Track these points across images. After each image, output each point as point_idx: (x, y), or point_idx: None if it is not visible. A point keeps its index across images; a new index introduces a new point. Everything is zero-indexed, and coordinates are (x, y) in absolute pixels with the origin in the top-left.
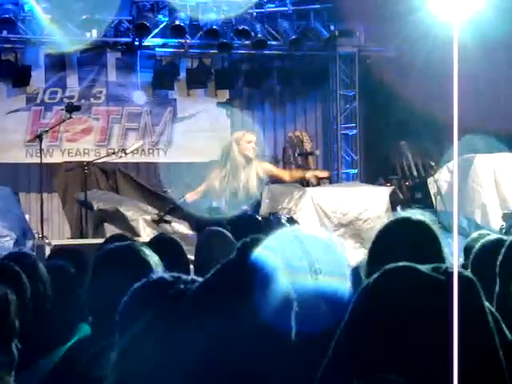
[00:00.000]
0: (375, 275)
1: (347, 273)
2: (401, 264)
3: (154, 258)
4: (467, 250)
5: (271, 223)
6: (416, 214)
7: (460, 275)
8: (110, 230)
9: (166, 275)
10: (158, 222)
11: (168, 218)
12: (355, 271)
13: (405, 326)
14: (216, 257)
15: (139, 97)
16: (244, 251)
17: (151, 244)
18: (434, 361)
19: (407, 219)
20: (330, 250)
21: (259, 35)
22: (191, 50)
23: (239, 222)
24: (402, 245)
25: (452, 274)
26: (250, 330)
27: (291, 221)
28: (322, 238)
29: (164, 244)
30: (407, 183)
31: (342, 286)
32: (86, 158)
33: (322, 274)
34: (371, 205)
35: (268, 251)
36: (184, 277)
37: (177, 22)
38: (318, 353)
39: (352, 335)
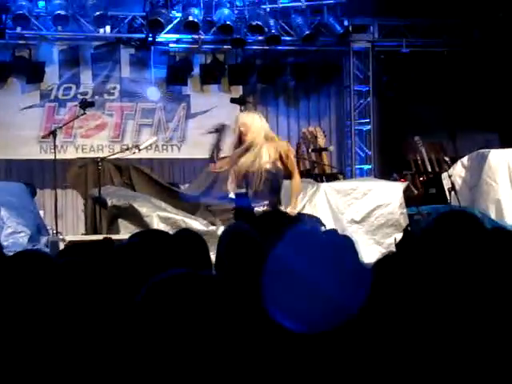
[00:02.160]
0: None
1: (354, 270)
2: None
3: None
4: None
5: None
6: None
7: None
8: (124, 225)
9: (182, 270)
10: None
11: (181, 214)
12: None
13: None
14: (239, 258)
15: (153, 93)
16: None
17: (174, 239)
18: None
19: (461, 213)
20: (336, 247)
21: (273, 31)
22: (205, 46)
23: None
24: (455, 238)
25: None
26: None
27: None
28: (326, 236)
29: (187, 239)
30: (421, 179)
31: (348, 284)
32: (99, 154)
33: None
34: (385, 200)
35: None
36: (201, 273)
37: (190, 18)
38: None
39: None
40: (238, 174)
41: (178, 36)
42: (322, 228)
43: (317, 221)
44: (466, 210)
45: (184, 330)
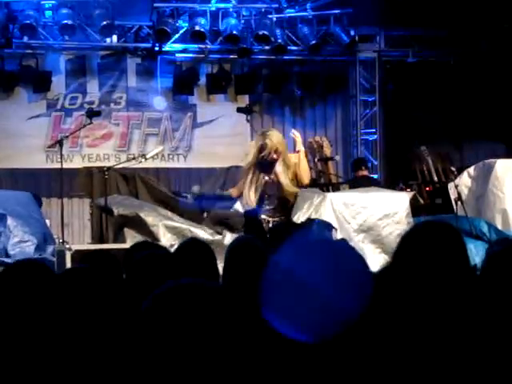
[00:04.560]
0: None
1: (356, 276)
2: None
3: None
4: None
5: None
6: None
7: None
8: (131, 235)
9: (186, 280)
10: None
11: (187, 223)
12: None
13: None
14: (245, 267)
15: (159, 102)
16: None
17: (182, 248)
18: None
19: (433, 223)
20: (338, 252)
21: (279, 40)
22: (211, 56)
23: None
24: (427, 248)
25: None
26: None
27: (328, 226)
28: (329, 241)
29: (195, 249)
30: (427, 188)
31: (350, 289)
32: (106, 164)
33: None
34: (391, 210)
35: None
36: (205, 282)
37: (197, 28)
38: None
39: None
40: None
41: (184, 46)
42: (333, 232)
43: (327, 225)
44: (444, 220)
45: (187, 341)
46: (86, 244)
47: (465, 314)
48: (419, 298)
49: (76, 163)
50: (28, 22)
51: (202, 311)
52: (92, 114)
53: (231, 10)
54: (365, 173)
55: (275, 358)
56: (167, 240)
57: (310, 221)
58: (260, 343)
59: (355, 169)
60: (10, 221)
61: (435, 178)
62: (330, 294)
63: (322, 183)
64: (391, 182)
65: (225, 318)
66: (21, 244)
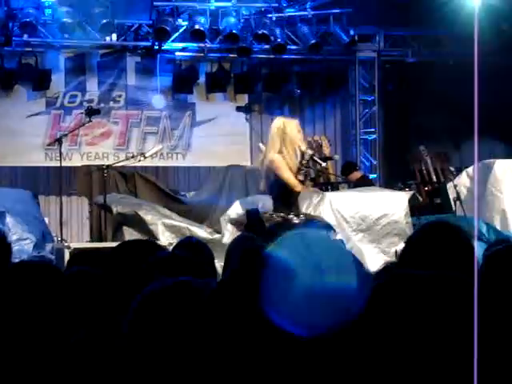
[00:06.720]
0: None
1: (354, 273)
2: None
3: None
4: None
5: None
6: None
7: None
8: (129, 233)
9: (174, 279)
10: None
11: (185, 222)
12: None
13: None
14: (245, 266)
15: (158, 101)
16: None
17: (179, 246)
18: None
19: (443, 224)
20: (335, 249)
21: (279, 39)
22: (211, 54)
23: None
24: (435, 249)
25: None
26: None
27: (327, 227)
28: (326, 238)
29: (192, 247)
30: (426, 188)
31: (348, 286)
32: (104, 162)
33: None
34: (390, 210)
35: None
36: (195, 280)
37: (196, 27)
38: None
39: None
40: None
41: (184, 44)
42: (332, 233)
43: (326, 226)
44: (449, 220)
45: (178, 340)
46: (84, 242)
47: (465, 315)
48: (424, 299)
49: (75, 161)
50: (28, 20)
51: (190, 310)
52: (91, 113)
53: (231, 8)
54: (360, 173)
55: (269, 354)
56: (166, 238)
57: (308, 221)
58: (255, 341)
59: (348, 172)
60: (8, 218)
61: (434, 178)
62: (328, 291)
63: (321, 183)
64: (390, 182)
65: (213, 317)
66: (19, 242)
